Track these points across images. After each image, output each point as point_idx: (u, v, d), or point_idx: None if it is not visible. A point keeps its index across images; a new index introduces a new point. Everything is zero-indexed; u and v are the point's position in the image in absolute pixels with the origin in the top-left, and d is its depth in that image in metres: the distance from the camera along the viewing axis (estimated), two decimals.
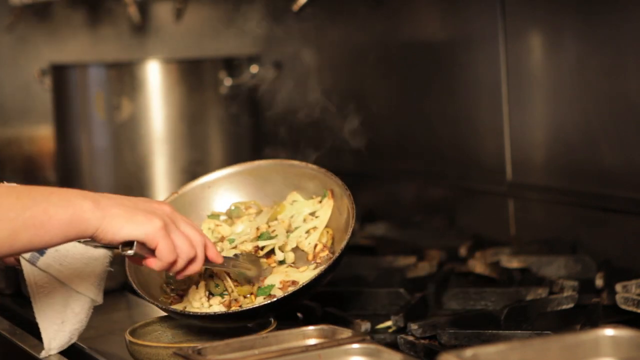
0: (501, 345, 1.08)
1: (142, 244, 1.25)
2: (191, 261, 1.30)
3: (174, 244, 1.26)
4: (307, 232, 1.54)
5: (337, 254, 1.47)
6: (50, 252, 1.41)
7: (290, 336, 1.30)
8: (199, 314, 1.40)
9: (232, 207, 1.60)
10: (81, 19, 3.16)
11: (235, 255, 1.48)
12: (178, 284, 1.48)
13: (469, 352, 1.05)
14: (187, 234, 1.29)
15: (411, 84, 2.28)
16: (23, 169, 3.15)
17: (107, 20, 3.10)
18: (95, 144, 2.41)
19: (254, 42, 2.70)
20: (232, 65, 2.47)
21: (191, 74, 2.46)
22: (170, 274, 1.36)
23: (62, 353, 1.48)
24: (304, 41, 2.53)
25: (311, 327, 1.32)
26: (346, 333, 1.28)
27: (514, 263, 1.81)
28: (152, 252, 1.26)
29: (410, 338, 1.45)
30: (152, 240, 1.25)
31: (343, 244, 1.47)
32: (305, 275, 1.48)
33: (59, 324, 1.44)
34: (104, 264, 1.42)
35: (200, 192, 1.60)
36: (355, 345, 1.23)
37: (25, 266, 1.43)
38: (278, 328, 1.38)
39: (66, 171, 2.50)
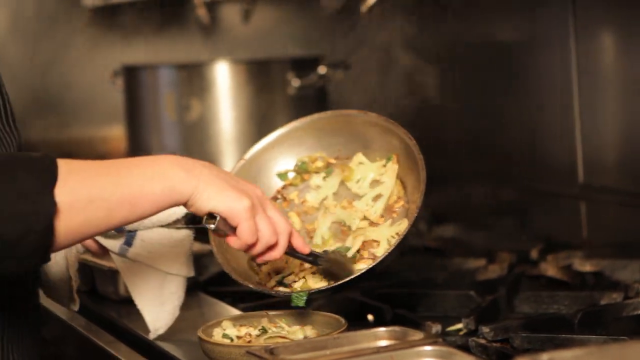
0: (577, 350, 1.06)
1: (224, 220, 1.24)
2: (271, 248, 1.29)
3: (256, 227, 1.25)
4: (373, 199, 1.53)
5: (419, 202, 1.44)
6: (137, 242, 1.45)
7: (361, 337, 1.30)
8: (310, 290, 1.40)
9: (299, 163, 1.59)
10: (152, 20, 3.20)
11: (324, 251, 1.46)
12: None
13: (544, 356, 1.04)
14: (272, 220, 1.28)
15: (480, 85, 2.26)
16: None
17: (177, 21, 3.14)
18: (165, 144, 2.44)
19: (322, 42, 2.70)
20: (299, 65, 2.48)
21: (259, 75, 2.47)
22: (249, 255, 1.35)
23: (138, 351, 1.50)
24: (372, 42, 2.53)
25: (382, 329, 1.31)
26: (418, 335, 1.28)
27: (586, 266, 1.78)
28: (233, 229, 1.25)
29: (482, 341, 1.44)
30: (235, 218, 1.23)
31: (420, 198, 1.44)
32: (384, 231, 1.47)
33: (159, 305, 1.48)
34: (189, 242, 1.46)
35: (266, 154, 1.59)
36: (428, 348, 1.23)
37: (117, 260, 1.48)
38: (349, 329, 1.38)
39: None
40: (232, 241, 1.27)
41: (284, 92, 2.46)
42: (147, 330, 1.50)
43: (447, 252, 2.06)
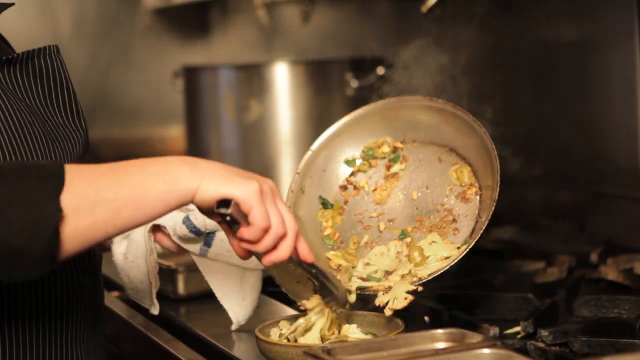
0: (639, 356, 1.05)
1: (237, 206, 1.19)
2: (277, 246, 1.23)
3: (268, 213, 1.21)
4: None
5: (496, 190, 1.43)
6: (216, 242, 1.50)
7: (419, 339, 1.30)
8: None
9: (365, 149, 1.59)
10: (212, 21, 3.22)
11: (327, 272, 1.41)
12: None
13: None
14: (281, 212, 1.23)
15: (541, 85, 2.24)
16: None
17: (237, 22, 3.16)
18: (224, 144, 2.46)
19: (381, 43, 2.70)
20: (358, 66, 2.48)
21: (318, 76, 2.48)
22: (258, 252, 1.26)
23: (196, 349, 1.52)
24: (431, 42, 2.52)
25: (440, 331, 1.31)
26: (476, 338, 1.27)
27: None
28: (245, 218, 1.21)
29: (541, 344, 1.43)
30: (247, 201, 1.19)
31: (495, 191, 1.43)
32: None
33: (241, 300, 1.54)
34: None
35: (332, 143, 1.58)
36: (486, 350, 1.22)
37: (198, 261, 1.53)
38: (405, 330, 1.38)
39: None
40: (245, 232, 1.21)
41: (342, 92, 2.46)
42: (213, 320, 1.52)
43: (506, 254, 2.04)
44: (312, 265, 1.32)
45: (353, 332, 1.39)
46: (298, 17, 2.85)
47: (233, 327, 1.55)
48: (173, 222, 1.48)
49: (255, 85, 2.44)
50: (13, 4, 1.39)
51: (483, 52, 2.38)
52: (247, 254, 1.27)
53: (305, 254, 1.28)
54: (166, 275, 1.78)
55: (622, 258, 1.83)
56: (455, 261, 1.42)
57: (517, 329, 1.51)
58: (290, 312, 1.60)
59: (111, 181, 1.16)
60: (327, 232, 1.56)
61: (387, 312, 1.40)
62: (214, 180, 1.18)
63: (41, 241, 1.11)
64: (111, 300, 1.85)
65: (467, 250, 1.42)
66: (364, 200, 1.58)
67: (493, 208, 1.43)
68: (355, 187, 1.59)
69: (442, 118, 1.53)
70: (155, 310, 1.55)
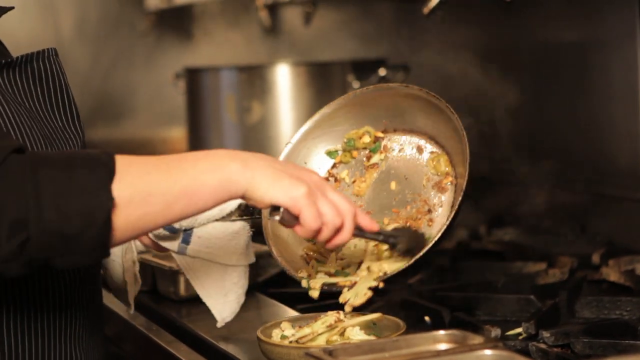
0: None
1: (287, 210, 1.23)
2: (338, 230, 1.27)
3: (319, 212, 1.24)
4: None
5: (465, 178, 1.42)
6: (194, 239, 1.48)
7: (420, 340, 1.30)
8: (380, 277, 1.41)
9: (346, 139, 1.59)
10: (213, 23, 3.23)
11: (396, 228, 1.45)
12: (319, 253, 1.49)
13: None
14: (334, 202, 1.26)
15: (543, 87, 2.24)
16: None
17: (239, 24, 3.16)
18: (226, 146, 2.46)
19: (382, 45, 2.70)
20: (360, 68, 2.48)
21: (320, 77, 2.48)
22: (318, 242, 1.33)
23: (197, 350, 1.52)
24: (433, 44, 2.52)
25: (442, 332, 1.31)
26: (478, 339, 1.27)
27: None
28: (297, 219, 1.25)
29: (543, 346, 1.43)
30: (295, 206, 1.23)
31: (467, 168, 1.42)
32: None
33: (223, 297, 1.51)
34: (246, 233, 1.48)
35: (312, 134, 1.58)
36: (488, 352, 1.22)
37: (177, 258, 1.51)
38: (407, 332, 1.38)
39: None
40: (299, 230, 1.26)
41: (344, 94, 2.46)
42: (214, 321, 1.52)
43: (507, 255, 2.04)
44: (377, 233, 1.35)
45: (356, 333, 1.39)
46: (300, 18, 2.85)
47: (218, 325, 1.52)
48: None
49: (257, 86, 2.44)
50: (13, 7, 1.39)
51: (485, 53, 2.38)
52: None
53: (368, 225, 1.31)
54: (167, 276, 1.78)
55: (623, 259, 1.83)
56: (420, 255, 1.41)
57: (519, 330, 1.51)
58: (292, 313, 1.60)
59: (164, 175, 1.19)
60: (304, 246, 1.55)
61: (347, 308, 1.40)
62: (263, 183, 1.21)
63: (94, 228, 1.13)
64: (112, 300, 1.85)
65: (432, 244, 1.41)
66: (344, 192, 1.58)
67: (460, 198, 1.42)
68: (336, 179, 1.58)
69: (419, 105, 1.53)
70: (130, 310, 1.54)
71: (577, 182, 2.14)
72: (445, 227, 1.41)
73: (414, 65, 2.48)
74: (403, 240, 1.41)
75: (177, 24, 3.31)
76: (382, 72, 2.47)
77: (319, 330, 1.36)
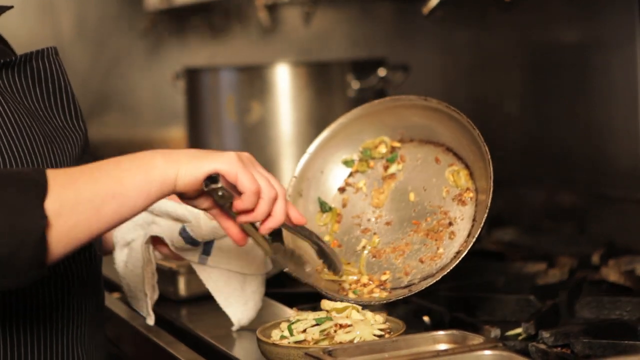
0: None
1: (225, 179, 1.20)
2: (273, 205, 1.24)
3: (253, 176, 1.21)
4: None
5: (489, 196, 1.42)
6: (214, 251, 1.51)
7: (420, 340, 1.30)
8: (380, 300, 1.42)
9: (362, 149, 1.59)
10: (213, 23, 3.23)
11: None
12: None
13: None
14: (266, 175, 1.24)
15: (543, 87, 2.24)
16: None
17: (238, 24, 3.16)
18: (225, 146, 2.46)
19: (382, 45, 2.70)
20: (359, 68, 2.48)
21: (319, 77, 2.48)
22: (255, 220, 1.27)
23: (197, 351, 1.52)
24: (432, 44, 2.52)
25: (441, 332, 1.31)
26: (477, 339, 1.27)
27: None
28: (235, 189, 1.22)
29: (542, 346, 1.43)
30: (230, 170, 1.20)
31: (489, 194, 1.43)
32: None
33: (243, 305, 1.54)
34: None
35: (329, 144, 1.58)
36: (487, 352, 1.22)
37: (198, 268, 1.54)
38: (407, 332, 1.38)
39: None
40: (239, 203, 1.22)
41: (343, 94, 2.46)
42: (214, 322, 1.53)
43: (507, 255, 2.04)
44: (304, 229, 1.34)
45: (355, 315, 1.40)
46: (299, 18, 2.85)
47: (234, 328, 1.55)
48: (170, 232, 1.49)
49: (256, 86, 2.44)
50: (12, 6, 1.39)
51: (484, 53, 2.38)
52: (244, 238, 1.28)
53: (298, 217, 1.29)
54: (167, 276, 1.78)
55: (623, 260, 1.83)
56: (445, 272, 1.42)
57: (519, 330, 1.51)
58: (292, 313, 1.60)
59: (88, 180, 1.17)
60: (326, 239, 1.56)
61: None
62: (192, 162, 1.19)
63: (28, 248, 1.12)
64: (112, 301, 1.85)
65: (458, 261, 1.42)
66: (361, 202, 1.58)
67: (486, 215, 1.43)
68: (354, 189, 1.59)
69: (437, 118, 1.53)
70: (150, 320, 1.56)
71: (577, 183, 2.14)
72: (471, 243, 1.42)
73: (413, 66, 2.48)
74: (327, 248, 1.40)
75: (176, 24, 3.30)
76: (381, 72, 2.47)
77: (316, 336, 1.36)
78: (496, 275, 1.84)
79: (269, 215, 1.25)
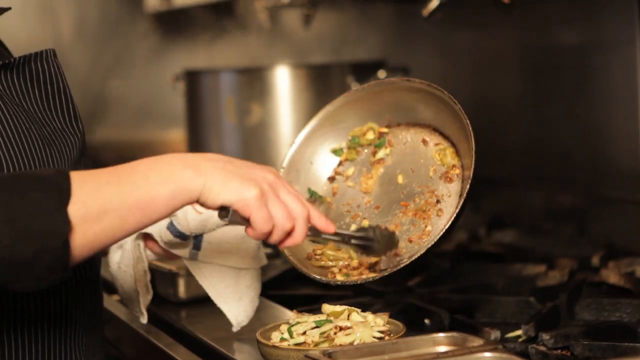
0: None
1: (236, 212, 1.21)
2: (290, 233, 1.25)
3: (270, 214, 1.22)
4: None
5: (472, 168, 1.41)
6: (205, 245, 1.49)
7: (420, 342, 1.30)
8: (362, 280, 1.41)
9: (350, 137, 1.58)
10: (213, 25, 3.23)
11: (362, 228, 1.45)
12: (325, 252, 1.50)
13: None
14: (287, 204, 1.23)
15: (543, 89, 2.24)
16: None
17: (238, 26, 3.16)
18: (225, 148, 2.46)
19: (382, 47, 2.70)
20: (359, 70, 2.48)
21: (319, 79, 2.48)
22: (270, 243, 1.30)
23: (197, 353, 1.51)
24: (432, 46, 2.52)
25: (441, 334, 1.31)
26: (477, 341, 1.27)
27: None
28: (248, 220, 1.23)
29: (542, 348, 1.43)
30: (245, 208, 1.21)
31: (473, 157, 1.42)
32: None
33: (237, 300, 1.52)
34: None
35: (317, 134, 1.57)
36: (488, 354, 1.22)
37: (189, 264, 1.52)
38: (407, 334, 1.38)
39: None
40: (249, 232, 1.24)
41: None
42: (214, 324, 1.52)
43: (507, 257, 2.04)
44: (336, 234, 1.34)
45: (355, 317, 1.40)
46: (299, 20, 2.85)
47: (234, 329, 1.54)
48: (158, 228, 1.48)
49: (256, 88, 2.44)
50: (9, 8, 1.39)
51: (484, 55, 2.38)
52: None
53: (324, 227, 1.29)
54: (167, 278, 1.78)
55: (623, 261, 1.83)
56: (430, 245, 1.41)
57: (519, 332, 1.51)
58: (292, 315, 1.60)
59: (116, 189, 1.17)
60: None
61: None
62: (215, 186, 1.20)
63: (51, 252, 1.12)
64: (112, 303, 1.85)
65: (442, 233, 1.40)
66: (351, 190, 1.57)
67: (468, 187, 1.41)
68: (344, 177, 1.58)
69: (421, 98, 1.52)
70: (143, 319, 1.55)
71: (577, 184, 2.14)
72: (454, 216, 1.40)
73: (413, 68, 2.48)
74: (367, 239, 1.40)
75: (176, 25, 3.31)
76: (381, 74, 2.47)
77: (316, 339, 1.36)
78: (496, 277, 1.84)
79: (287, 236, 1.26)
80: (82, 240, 1.15)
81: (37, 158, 1.29)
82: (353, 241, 1.40)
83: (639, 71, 1.95)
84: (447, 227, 1.40)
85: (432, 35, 2.48)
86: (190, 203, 1.21)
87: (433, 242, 1.41)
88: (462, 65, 2.44)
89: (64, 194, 1.14)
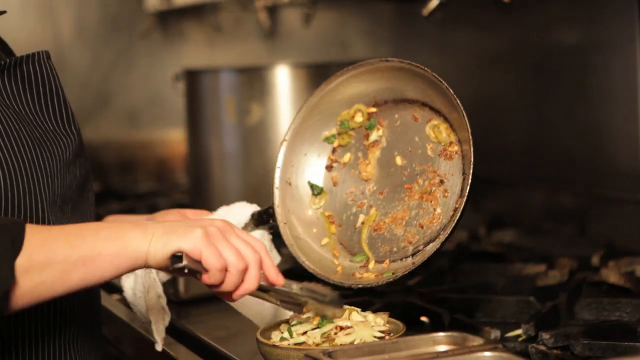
0: None
1: (189, 257, 1.21)
2: (244, 274, 1.24)
3: (219, 252, 1.22)
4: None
5: (471, 146, 1.40)
6: None
7: (420, 342, 1.30)
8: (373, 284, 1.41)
9: (339, 122, 1.57)
10: (213, 25, 3.23)
11: (304, 287, 1.36)
12: None
13: None
14: (236, 246, 1.24)
15: (543, 89, 2.24)
16: (155, 172, 3.24)
17: (238, 26, 3.16)
18: (225, 148, 2.46)
19: (382, 46, 2.70)
20: None
21: (319, 79, 2.47)
22: (224, 294, 1.28)
23: (197, 352, 1.51)
24: (432, 46, 2.52)
25: (441, 334, 1.31)
26: (477, 340, 1.27)
27: None
28: (202, 266, 1.23)
29: (542, 347, 1.43)
30: (194, 249, 1.21)
31: (470, 137, 1.41)
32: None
33: (260, 304, 1.48)
34: (266, 239, 1.50)
35: (305, 126, 1.56)
36: (487, 354, 1.22)
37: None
38: (407, 333, 1.38)
39: (197, 174, 2.55)
40: (205, 277, 1.23)
41: None
42: (214, 323, 1.51)
43: (507, 257, 2.04)
44: (287, 287, 1.31)
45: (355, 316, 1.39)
46: (299, 20, 2.85)
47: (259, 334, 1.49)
48: None
49: (256, 88, 2.44)
50: (5, 11, 1.39)
51: (484, 55, 2.38)
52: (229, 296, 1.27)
53: (274, 278, 1.28)
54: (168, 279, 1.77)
55: (623, 261, 1.83)
56: (448, 233, 1.41)
57: (519, 332, 1.51)
58: (292, 315, 1.60)
59: (63, 244, 1.18)
60: (325, 241, 1.55)
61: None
62: (161, 239, 1.21)
63: None
64: (112, 303, 1.85)
65: (458, 218, 1.40)
66: (351, 176, 1.56)
67: (471, 168, 1.40)
68: (341, 164, 1.57)
69: (402, 77, 1.51)
70: (158, 347, 1.52)
71: (577, 184, 2.14)
72: (465, 198, 1.39)
73: None
74: (313, 298, 1.34)
75: (176, 25, 3.31)
76: None
77: (316, 339, 1.36)
78: (496, 277, 1.84)
79: (241, 282, 1.25)
80: (22, 292, 1.16)
81: (27, 160, 1.29)
82: (304, 294, 1.34)
83: (639, 71, 1.95)
84: (460, 211, 1.39)
85: (432, 34, 2.47)
86: (139, 265, 1.21)
87: (449, 230, 1.40)
88: (462, 65, 2.44)
89: (17, 247, 1.16)
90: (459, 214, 1.40)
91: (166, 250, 1.21)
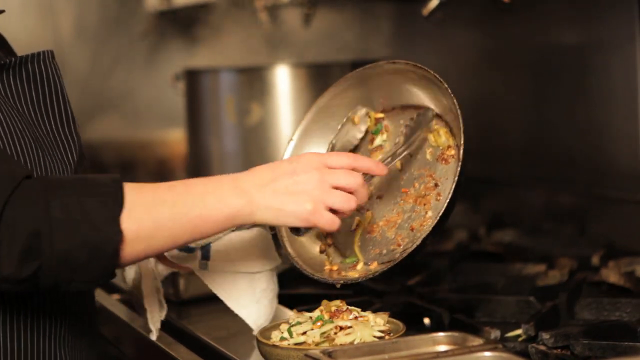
0: None
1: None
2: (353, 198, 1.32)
3: (331, 215, 1.29)
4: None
5: (462, 146, 1.40)
6: (213, 254, 1.50)
7: (420, 342, 1.30)
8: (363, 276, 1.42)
9: (345, 120, 1.56)
10: (213, 24, 3.23)
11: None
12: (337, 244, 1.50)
13: None
14: (341, 187, 1.30)
15: (542, 89, 2.24)
16: (155, 172, 3.24)
17: (238, 25, 3.16)
18: (225, 148, 2.46)
19: (382, 46, 2.70)
20: None
21: (319, 79, 2.48)
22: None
23: (197, 352, 1.51)
24: (432, 45, 2.52)
25: (441, 334, 1.31)
26: (477, 341, 1.27)
27: None
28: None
29: (542, 347, 1.43)
30: (309, 223, 1.29)
31: (462, 138, 1.41)
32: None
33: (255, 304, 1.52)
34: (264, 237, 1.51)
35: (313, 127, 1.56)
36: (487, 354, 1.22)
37: (201, 274, 1.52)
38: (407, 333, 1.38)
39: (197, 174, 2.55)
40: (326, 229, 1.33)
41: None
42: (214, 323, 1.52)
43: (507, 257, 2.04)
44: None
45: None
46: (299, 20, 2.84)
47: (254, 333, 1.51)
48: None
49: (256, 88, 2.44)
50: (3, 11, 1.38)
51: (484, 55, 2.38)
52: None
53: (380, 171, 1.39)
54: (167, 278, 1.77)
55: (623, 261, 1.83)
56: (424, 235, 1.40)
57: (519, 332, 1.51)
58: (292, 315, 1.60)
59: (171, 209, 1.24)
60: (318, 248, 1.54)
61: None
62: (269, 212, 1.28)
63: (102, 259, 1.20)
64: (112, 303, 1.85)
65: (437, 220, 1.40)
66: None
67: (459, 169, 1.40)
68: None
69: (408, 79, 1.51)
70: (152, 336, 1.53)
71: (577, 184, 2.14)
72: (447, 200, 1.39)
73: None
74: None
75: (176, 25, 3.30)
76: None
77: (316, 339, 1.36)
78: (496, 277, 1.84)
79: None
80: (131, 252, 1.22)
81: (29, 161, 1.28)
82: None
83: (639, 71, 1.95)
84: (441, 212, 1.39)
85: (432, 34, 2.47)
86: (244, 226, 1.33)
87: (427, 232, 1.40)
88: (462, 65, 2.44)
89: (118, 204, 1.20)
90: (440, 214, 1.40)
91: (278, 223, 1.32)
